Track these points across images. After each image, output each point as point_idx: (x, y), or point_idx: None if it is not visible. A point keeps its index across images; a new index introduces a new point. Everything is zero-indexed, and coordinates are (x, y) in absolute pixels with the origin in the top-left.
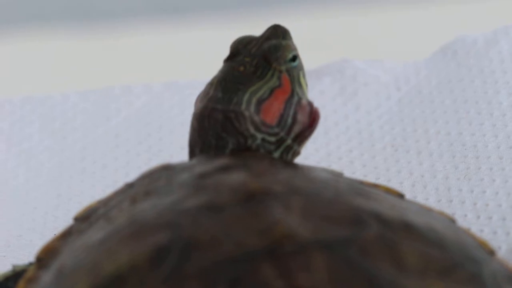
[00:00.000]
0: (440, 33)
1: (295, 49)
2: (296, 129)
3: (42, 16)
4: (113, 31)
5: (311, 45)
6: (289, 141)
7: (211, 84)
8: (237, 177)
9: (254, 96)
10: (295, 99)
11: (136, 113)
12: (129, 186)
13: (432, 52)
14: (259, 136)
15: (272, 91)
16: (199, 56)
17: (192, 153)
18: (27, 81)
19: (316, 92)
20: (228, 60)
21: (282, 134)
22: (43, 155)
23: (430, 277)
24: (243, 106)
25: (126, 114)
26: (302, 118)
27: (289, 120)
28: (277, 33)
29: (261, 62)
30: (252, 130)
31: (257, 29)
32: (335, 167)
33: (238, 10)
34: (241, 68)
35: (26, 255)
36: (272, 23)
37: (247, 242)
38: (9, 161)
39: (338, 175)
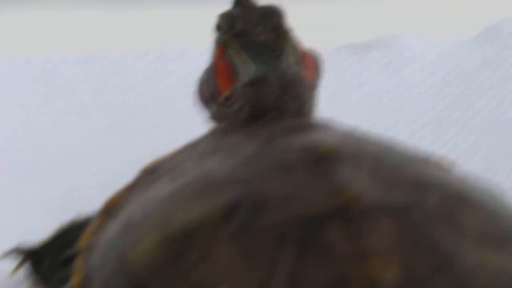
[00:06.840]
0: (486, 14)
1: None
2: (319, 81)
3: None
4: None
5: (361, 20)
6: (315, 97)
7: (241, 60)
8: (306, 139)
9: (293, 58)
10: (307, 54)
11: (189, 75)
12: (195, 144)
13: (478, 32)
14: (309, 96)
15: (298, 51)
16: None
17: (248, 119)
18: (86, 42)
19: (364, 64)
20: (239, 36)
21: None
22: (101, 111)
23: (487, 248)
24: (294, 69)
25: (179, 76)
26: (320, 69)
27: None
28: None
29: (275, 28)
30: (306, 91)
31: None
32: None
33: None
34: (263, 38)
35: (80, 208)
36: None
37: (317, 202)
38: (69, 116)
39: (396, 143)
